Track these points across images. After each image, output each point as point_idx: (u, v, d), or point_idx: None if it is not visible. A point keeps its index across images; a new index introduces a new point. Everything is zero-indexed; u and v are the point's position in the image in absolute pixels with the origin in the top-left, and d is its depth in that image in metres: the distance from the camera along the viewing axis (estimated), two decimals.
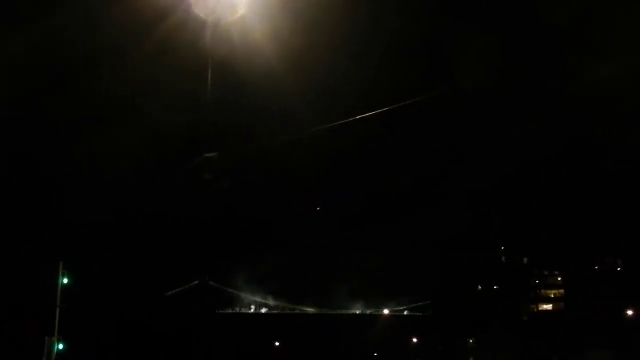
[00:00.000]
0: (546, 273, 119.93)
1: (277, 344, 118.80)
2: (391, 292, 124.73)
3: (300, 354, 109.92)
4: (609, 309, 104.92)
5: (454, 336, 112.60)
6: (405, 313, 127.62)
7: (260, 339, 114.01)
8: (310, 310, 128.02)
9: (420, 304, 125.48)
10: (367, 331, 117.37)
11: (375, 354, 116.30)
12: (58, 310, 39.40)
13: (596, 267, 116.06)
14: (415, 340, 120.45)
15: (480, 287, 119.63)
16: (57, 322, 39.14)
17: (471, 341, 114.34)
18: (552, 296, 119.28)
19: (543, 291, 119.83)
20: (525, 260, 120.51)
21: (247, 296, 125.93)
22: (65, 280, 39.61)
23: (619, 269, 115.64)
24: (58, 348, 38.48)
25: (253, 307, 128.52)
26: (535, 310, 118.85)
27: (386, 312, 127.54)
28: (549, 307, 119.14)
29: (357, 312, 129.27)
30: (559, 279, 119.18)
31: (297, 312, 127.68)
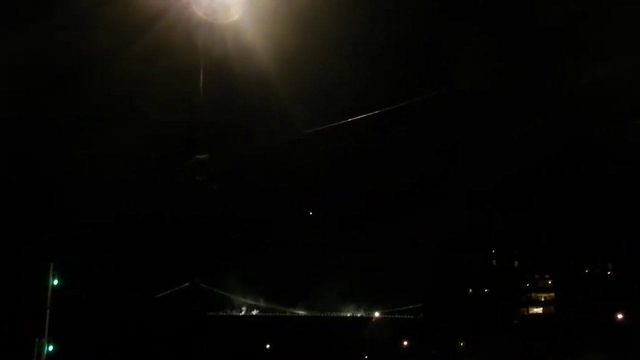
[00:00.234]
0: (537, 276, 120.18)
1: (268, 346, 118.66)
2: (382, 295, 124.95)
3: (292, 356, 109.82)
4: (599, 312, 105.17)
5: (445, 339, 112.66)
6: (397, 315, 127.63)
7: (251, 340, 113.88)
8: (302, 312, 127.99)
9: (411, 306, 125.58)
10: (358, 333, 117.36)
11: (366, 357, 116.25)
12: (48, 311, 39.21)
13: (586, 271, 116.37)
14: (406, 342, 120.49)
15: (471, 290, 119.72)
16: (47, 323, 38.94)
17: (462, 344, 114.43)
18: (543, 299, 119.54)
19: (533, 294, 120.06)
20: (516, 263, 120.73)
21: (238, 298, 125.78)
22: (56, 282, 39.43)
23: (609, 273, 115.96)
24: (48, 350, 38.29)
25: (244, 308, 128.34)
26: (526, 313, 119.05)
27: (377, 314, 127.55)
28: (539, 310, 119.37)
29: (348, 315, 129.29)
30: (550, 282, 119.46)
31: (289, 314, 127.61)
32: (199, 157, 25.99)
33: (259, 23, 24.82)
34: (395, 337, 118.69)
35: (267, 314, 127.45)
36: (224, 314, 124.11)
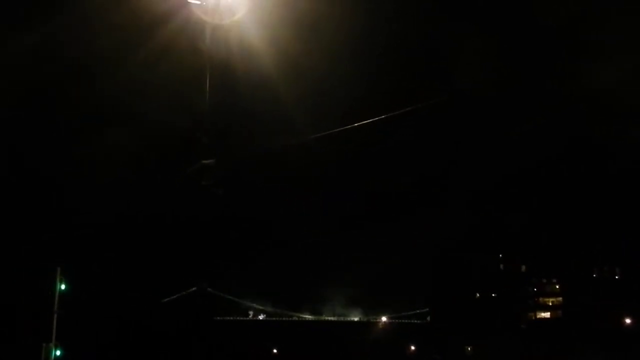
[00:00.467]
0: (544, 281, 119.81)
1: (275, 350, 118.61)
2: (389, 299, 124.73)
3: None
4: (607, 317, 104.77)
5: (452, 343, 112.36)
6: (403, 320, 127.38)
7: (258, 345, 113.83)
8: (309, 316, 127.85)
9: (418, 311, 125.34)
10: (364, 338, 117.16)
11: None
12: (55, 316, 39.24)
13: (594, 275, 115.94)
14: (412, 347, 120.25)
15: (478, 295, 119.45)
16: (54, 328, 38.98)
17: (469, 348, 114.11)
18: (550, 304, 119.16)
19: (541, 299, 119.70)
20: (523, 267, 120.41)
21: (245, 302, 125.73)
22: (63, 286, 39.50)
23: (616, 277, 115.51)
24: (55, 354, 38.32)
25: (251, 313, 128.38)
26: (533, 317, 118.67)
27: (384, 319, 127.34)
28: (546, 314, 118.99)
29: (355, 319, 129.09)
30: (557, 286, 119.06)
31: (295, 318, 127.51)
32: (205, 161, 26.07)
33: (262, 27, 24.94)
34: (402, 341, 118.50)
35: (274, 318, 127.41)
36: (231, 318, 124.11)
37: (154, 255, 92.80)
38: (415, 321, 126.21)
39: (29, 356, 41.52)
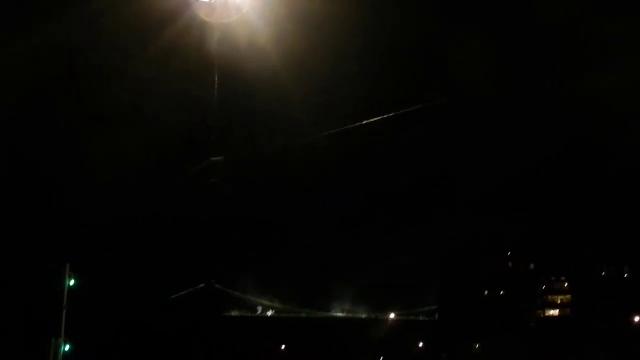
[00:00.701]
0: (553, 279, 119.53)
1: (283, 347, 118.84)
2: (397, 297, 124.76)
3: (307, 357, 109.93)
4: (616, 315, 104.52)
5: (460, 341, 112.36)
6: (412, 317, 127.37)
7: (266, 342, 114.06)
8: (317, 313, 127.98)
9: (427, 308, 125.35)
10: (373, 335, 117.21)
11: (382, 358, 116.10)
12: (64, 311, 39.52)
13: (603, 273, 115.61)
14: (421, 344, 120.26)
15: (486, 293, 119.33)
16: (63, 323, 39.27)
17: (477, 346, 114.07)
18: (559, 302, 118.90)
19: (550, 297, 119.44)
20: (532, 265, 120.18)
21: (253, 299, 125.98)
22: (72, 282, 39.78)
23: (625, 275, 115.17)
24: (64, 349, 38.63)
25: (260, 309, 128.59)
26: (542, 315, 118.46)
27: (392, 316, 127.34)
28: (555, 312, 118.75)
29: (364, 316, 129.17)
30: (566, 284, 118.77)
31: (304, 315, 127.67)
32: (213, 159, 26.22)
33: (269, 25, 25.03)
34: (410, 338, 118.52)
35: (282, 315, 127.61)
36: (240, 314, 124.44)
37: (163, 252, 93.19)
38: (424, 319, 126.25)
39: (39, 352, 41.84)
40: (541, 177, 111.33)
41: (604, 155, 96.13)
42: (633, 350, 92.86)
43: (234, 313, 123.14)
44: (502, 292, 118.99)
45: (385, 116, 25.33)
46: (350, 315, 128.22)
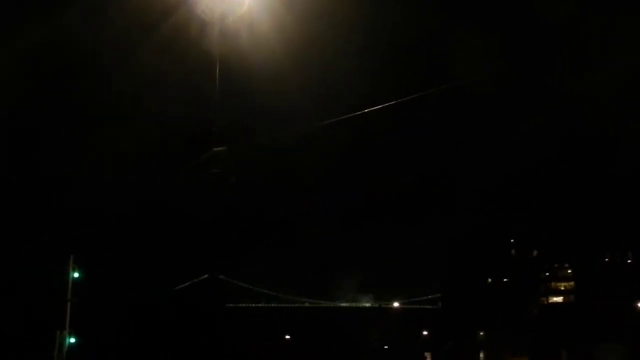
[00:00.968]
0: (556, 265, 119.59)
1: (288, 337, 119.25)
2: (401, 285, 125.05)
3: (311, 347, 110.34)
4: (620, 302, 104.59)
5: (464, 329, 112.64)
6: (415, 306, 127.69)
7: (270, 332, 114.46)
8: (321, 303, 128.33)
9: (431, 296, 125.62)
10: (377, 324, 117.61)
11: (386, 347, 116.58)
12: (69, 304, 39.67)
13: (606, 259, 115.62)
14: (425, 332, 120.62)
15: (490, 280, 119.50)
16: (68, 316, 39.43)
17: (481, 334, 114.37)
18: (562, 288, 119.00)
19: (553, 284, 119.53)
20: (535, 252, 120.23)
21: (257, 289, 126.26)
22: (76, 275, 39.94)
23: (629, 261, 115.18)
24: (69, 342, 38.82)
25: (263, 300, 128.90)
26: (546, 302, 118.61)
27: (396, 304, 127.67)
28: (559, 299, 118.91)
29: (368, 305, 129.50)
30: (569, 271, 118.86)
31: (308, 305, 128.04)
32: (216, 149, 26.26)
33: (270, 17, 25.01)
34: (414, 327, 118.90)
35: (285, 305, 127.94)
36: (244, 305, 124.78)
37: (166, 244, 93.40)
38: (428, 307, 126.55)
39: (44, 344, 42.01)
40: (546, 165, 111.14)
41: (606, 145, 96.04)
42: (637, 337, 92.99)
43: (239, 304, 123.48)
44: (505, 280, 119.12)
45: (386, 104, 25.28)
46: (354, 304, 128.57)
